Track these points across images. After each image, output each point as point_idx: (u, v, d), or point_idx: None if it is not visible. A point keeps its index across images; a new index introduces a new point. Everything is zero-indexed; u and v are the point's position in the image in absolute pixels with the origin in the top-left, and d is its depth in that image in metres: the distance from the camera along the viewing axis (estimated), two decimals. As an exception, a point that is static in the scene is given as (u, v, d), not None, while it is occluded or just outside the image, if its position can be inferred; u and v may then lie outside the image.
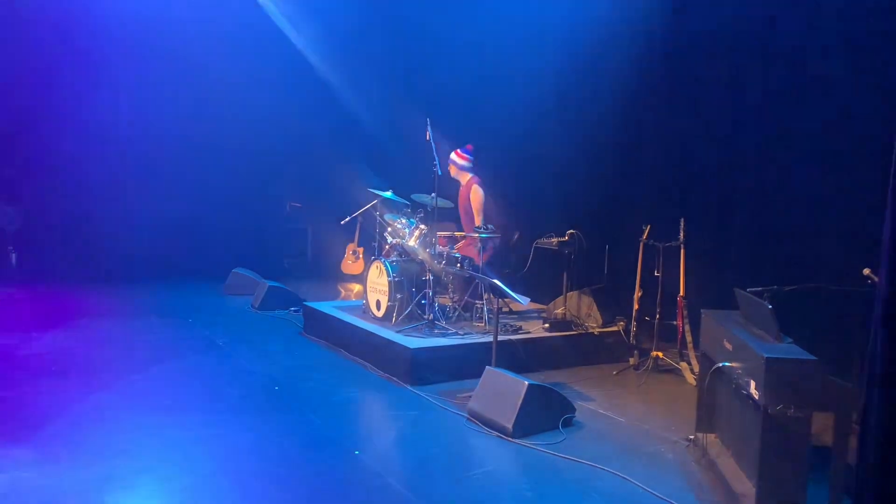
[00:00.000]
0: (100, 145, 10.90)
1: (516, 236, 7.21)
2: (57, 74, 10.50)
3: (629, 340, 6.51)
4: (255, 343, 6.96)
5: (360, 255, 10.64)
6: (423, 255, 6.67)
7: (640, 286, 6.35)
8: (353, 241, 10.67)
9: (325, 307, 7.35)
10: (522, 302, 5.46)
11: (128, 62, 10.79)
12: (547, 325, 6.64)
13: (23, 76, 10.33)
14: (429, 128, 6.55)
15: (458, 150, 7.31)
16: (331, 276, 10.83)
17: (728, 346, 3.94)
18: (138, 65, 10.85)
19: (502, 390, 4.81)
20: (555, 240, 6.75)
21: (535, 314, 7.28)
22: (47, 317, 7.63)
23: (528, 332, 6.50)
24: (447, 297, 7.01)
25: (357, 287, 9.97)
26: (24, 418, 4.66)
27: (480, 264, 6.61)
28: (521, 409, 4.61)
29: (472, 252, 6.89)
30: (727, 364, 3.88)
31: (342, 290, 10.00)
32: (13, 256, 10.42)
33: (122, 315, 8.02)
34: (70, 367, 5.86)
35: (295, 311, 8.31)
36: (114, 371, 5.82)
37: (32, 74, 10.37)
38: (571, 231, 6.71)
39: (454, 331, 6.30)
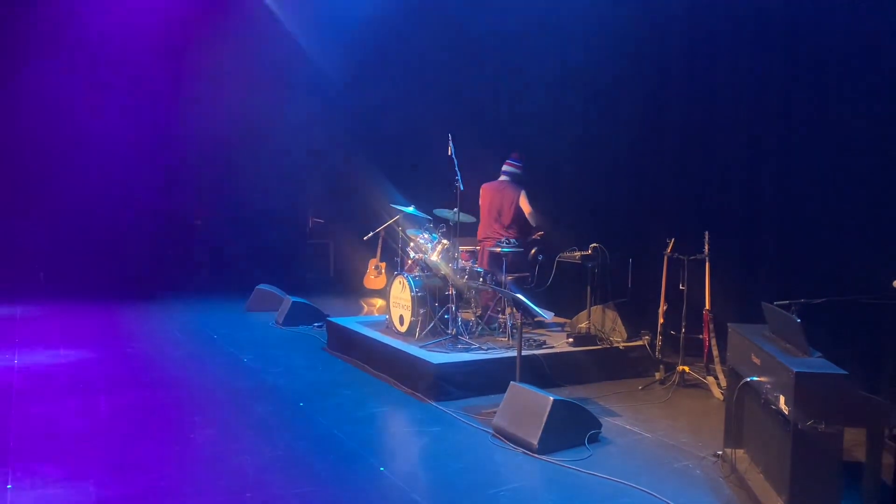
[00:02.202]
0: (124, 164, 11.09)
1: (533, 251, 7.19)
2: (79, 90, 10.71)
3: (654, 355, 6.45)
4: (279, 359, 6.99)
5: (383, 271, 10.68)
6: (445, 269, 6.68)
7: (665, 300, 6.31)
8: (375, 256, 10.71)
9: (349, 322, 7.37)
10: (546, 316, 5.45)
11: (150, 79, 10.98)
12: (571, 340, 6.60)
13: (41, 91, 10.55)
14: (451, 143, 6.57)
15: (509, 161, 7.58)
16: (353, 291, 10.88)
17: (756, 360, 3.89)
18: (162, 82, 11.04)
19: (527, 406, 4.79)
20: (578, 254, 6.72)
21: (559, 329, 7.24)
22: (74, 334, 7.74)
23: (553, 347, 6.47)
24: (470, 311, 7.01)
25: (379, 302, 10.00)
26: (53, 435, 4.71)
27: (503, 278, 6.61)
28: (546, 424, 4.58)
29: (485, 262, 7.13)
30: (755, 379, 3.84)
31: (365, 306, 10.03)
32: (41, 275, 10.61)
33: (148, 332, 8.11)
34: (97, 384, 5.92)
35: (319, 326, 8.34)
36: (140, 388, 5.89)
37: (53, 88, 10.59)
38: (595, 245, 6.68)
39: (477, 346, 6.29)
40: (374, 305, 9.95)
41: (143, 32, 10.82)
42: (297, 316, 8.61)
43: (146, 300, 9.94)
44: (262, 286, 9.73)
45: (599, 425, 4.93)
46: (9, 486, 3.89)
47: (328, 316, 8.06)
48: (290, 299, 8.79)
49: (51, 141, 10.77)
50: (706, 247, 6.00)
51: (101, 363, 6.60)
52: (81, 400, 5.48)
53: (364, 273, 10.93)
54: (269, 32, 11.09)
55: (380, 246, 10.46)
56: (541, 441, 4.55)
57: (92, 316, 8.83)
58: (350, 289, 11.03)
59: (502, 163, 7.57)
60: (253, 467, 4.30)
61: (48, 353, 6.87)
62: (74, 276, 10.54)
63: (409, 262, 7.29)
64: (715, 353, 5.97)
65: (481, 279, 6.68)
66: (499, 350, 6.24)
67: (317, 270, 12.25)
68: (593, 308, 6.78)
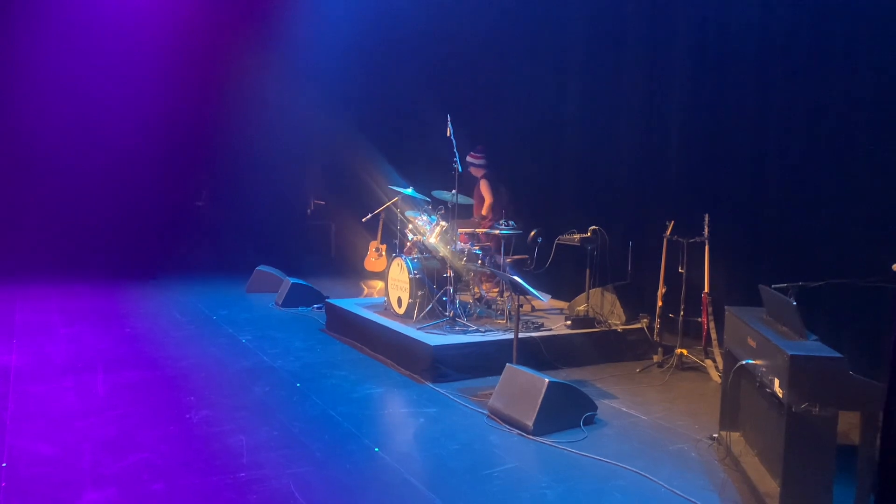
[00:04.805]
0: (127, 145, 11.07)
1: (533, 233, 7.16)
2: (84, 71, 10.68)
3: (653, 338, 6.43)
4: (278, 340, 6.99)
5: (383, 253, 10.65)
6: (443, 251, 6.66)
7: (664, 283, 6.28)
8: (375, 238, 10.69)
9: (347, 304, 7.37)
10: (543, 299, 5.44)
11: (155, 62, 10.93)
12: (569, 322, 6.58)
13: (45, 70, 10.53)
14: (449, 124, 6.52)
15: (472, 152, 7.61)
16: (354, 273, 10.87)
17: (752, 343, 3.87)
18: (167, 65, 11.00)
19: (523, 388, 4.78)
20: (577, 236, 6.69)
21: (558, 311, 7.23)
22: (74, 314, 7.76)
23: (550, 329, 6.45)
24: (469, 293, 6.99)
25: (379, 284, 9.98)
26: (49, 414, 4.72)
27: (501, 260, 6.59)
28: (541, 406, 4.58)
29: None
30: (751, 362, 3.82)
31: (365, 288, 10.03)
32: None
33: (148, 312, 8.11)
34: (95, 364, 5.93)
35: (318, 308, 8.34)
36: (138, 368, 5.90)
37: (58, 68, 10.57)
38: (594, 227, 6.64)
39: (475, 328, 6.28)
40: (375, 287, 9.93)
41: (148, 16, 10.77)
42: (297, 297, 8.61)
43: (147, 281, 9.94)
44: (262, 267, 9.73)
45: (595, 407, 4.92)
46: (3, 465, 3.91)
47: (327, 297, 8.05)
48: (289, 281, 8.79)
49: (54, 121, 10.75)
50: (706, 229, 5.96)
51: (99, 343, 6.61)
52: (79, 379, 5.48)
53: (365, 255, 10.91)
54: (269, 18, 11.02)
55: (380, 228, 10.43)
56: (536, 422, 4.55)
57: (92, 296, 8.84)
58: (351, 271, 11.02)
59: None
60: (248, 447, 4.30)
61: (47, 332, 6.89)
62: (75, 257, 10.55)
63: (409, 243, 7.26)
64: (713, 336, 5.96)
65: (479, 261, 6.65)
66: (496, 332, 6.22)
67: (318, 252, 12.23)
68: (592, 291, 6.75)
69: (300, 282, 8.83)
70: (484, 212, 7.52)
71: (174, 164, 11.57)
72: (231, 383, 5.63)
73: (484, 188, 7.57)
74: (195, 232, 11.84)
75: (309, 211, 12.37)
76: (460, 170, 6.61)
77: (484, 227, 7.23)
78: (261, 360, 6.28)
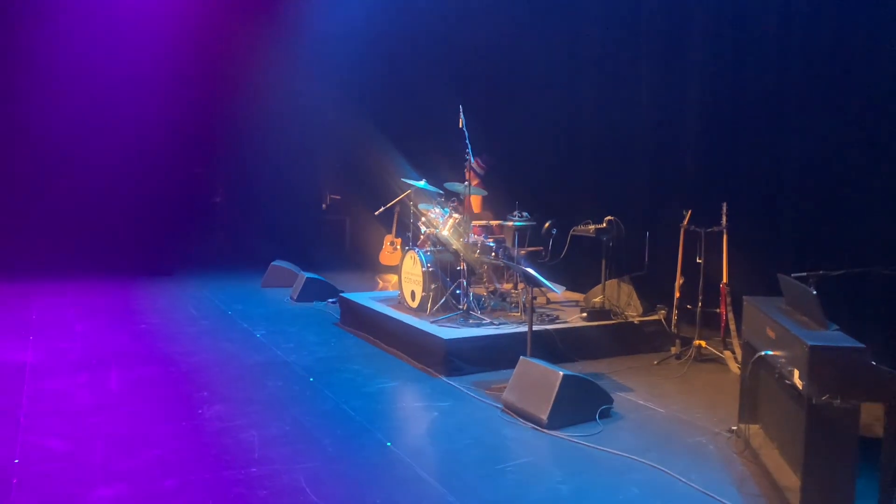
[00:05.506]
0: (144, 141, 11.12)
1: (547, 224, 7.07)
2: (102, 67, 10.73)
3: (670, 329, 6.33)
4: (291, 335, 6.97)
5: (398, 246, 10.61)
6: (456, 244, 6.59)
7: (682, 273, 6.17)
8: (390, 232, 10.65)
9: (361, 298, 7.33)
10: (557, 291, 5.37)
11: (173, 58, 10.97)
12: (585, 314, 6.49)
13: (64, 65, 10.59)
14: (461, 115, 6.45)
15: (479, 159, 7.54)
16: (369, 267, 10.85)
17: (771, 333, 3.77)
18: (183, 62, 11.02)
19: (537, 381, 4.71)
20: (592, 227, 6.59)
21: (573, 303, 7.14)
22: (90, 310, 7.79)
23: (566, 322, 6.37)
24: (482, 286, 6.93)
25: (394, 278, 9.94)
26: (63, 410, 4.72)
27: (515, 252, 6.52)
28: (555, 400, 4.51)
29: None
30: (770, 353, 3.72)
31: (380, 281, 9.99)
32: None
33: (163, 308, 8.13)
34: (110, 360, 5.93)
35: (332, 302, 8.32)
36: (152, 364, 5.90)
37: (77, 63, 10.63)
38: (610, 217, 6.54)
39: (489, 321, 6.21)
40: (390, 281, 9.89)
41: (163, 12, 10.81)
42: (311, 292, 8.60)
43: (163, 276, 9.97)
44: (277, 262, 9.73)
45: (611, 400, 4.84)
46: (16, 461, 3.91)
47: (341, 291, 8.03)
48: (304, 275, 8.78)
49: (69, 118, 10.81)
50: (724, 218, 5.85)
51: (114, 339, 6.62)
52: (93, 375, 5.49)
53: (380, 249, 10.87)
54: (284, 14, 11.01)
55: (395, 222, 10.38)
56: (550, 416, 4.48)
57: (108, 292, 8.88)
58: (366, 265, 10.99)
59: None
60: (260, 442, 4.27)
61: (63, 329, 6.91)
62: (91, 253, 10.61)
63: (422, 237, 7.21)
64: (732, 327, 5.85)
65: (493, 254, 6.59)
66: (510, 325, 6.16)
67: (333, 247, 12.23)
68: (608, 282, 6.66)
69: (315, 276, 8.82)
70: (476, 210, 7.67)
71: (190, 161, 11.62)
72: (244, 378, 5.62)
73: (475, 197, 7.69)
74: (211, 227, 11.88)
75: (324, 206, 12.36)
76: (472, 160, 6.53)
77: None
78: (274, 354, 6.26)
